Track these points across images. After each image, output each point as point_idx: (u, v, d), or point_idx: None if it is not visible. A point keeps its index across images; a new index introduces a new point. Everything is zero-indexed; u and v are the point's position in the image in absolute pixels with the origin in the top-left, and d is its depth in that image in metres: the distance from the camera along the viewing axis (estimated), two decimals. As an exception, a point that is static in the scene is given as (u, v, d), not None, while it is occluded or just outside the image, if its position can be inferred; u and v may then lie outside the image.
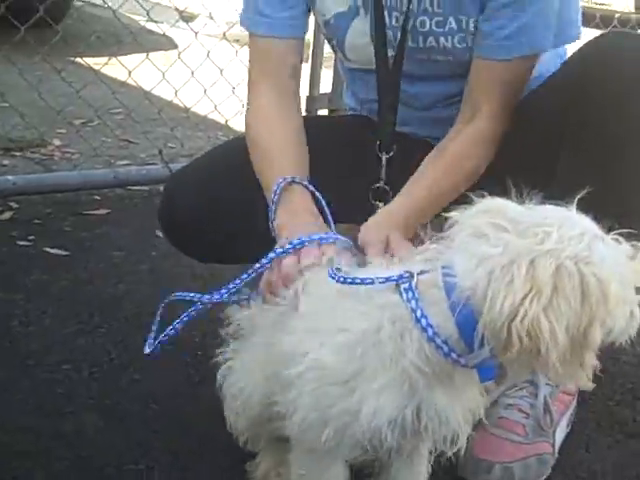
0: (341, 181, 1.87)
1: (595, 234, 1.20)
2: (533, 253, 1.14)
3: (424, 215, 1.67)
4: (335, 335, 1.30)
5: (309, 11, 1.92)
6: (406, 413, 1.27)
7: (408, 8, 1.77)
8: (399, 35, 1.81)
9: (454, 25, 1.79)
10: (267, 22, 1.86)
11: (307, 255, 1.50)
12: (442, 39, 1.82)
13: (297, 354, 1.34)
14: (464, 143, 1.77)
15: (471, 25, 1.79)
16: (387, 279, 1.28)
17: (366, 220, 1.66)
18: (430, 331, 1.23)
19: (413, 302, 1.24)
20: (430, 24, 1.80)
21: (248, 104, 1.91)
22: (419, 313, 1.23)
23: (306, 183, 1.70)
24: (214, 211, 1.91)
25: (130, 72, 3.60)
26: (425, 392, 1.27)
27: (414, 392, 1.27)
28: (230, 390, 1.58)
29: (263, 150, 1.80)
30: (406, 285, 1.25)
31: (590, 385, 1.24)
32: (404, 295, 1.25)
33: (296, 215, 1.65)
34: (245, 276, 1.56)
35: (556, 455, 1.84)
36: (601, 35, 1.70)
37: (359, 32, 1.89)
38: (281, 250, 1.52)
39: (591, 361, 1.20)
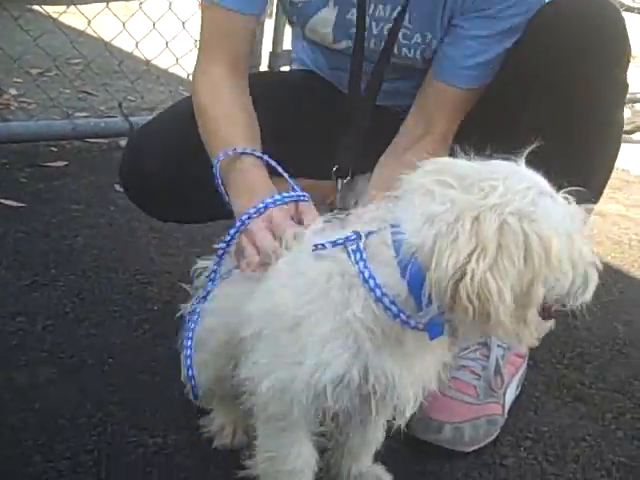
0: (304, 136, 1.89)
1: (542, 190, 1.20)
2: (478, 209, 1.14)
3: None
4: (294, 278, 1.31)
5: None
6: (353, 374, 1.26)
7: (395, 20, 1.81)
8: (379, 44, 1.84)
9: (419, 40, 1.84)
10: None
11: (277, 214, 1.50)
12: (404, 49, 1.86)
13: (262, 293, 1.36)
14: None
15: (434, 43, 1.83)
16: (334, 242, 1.27)
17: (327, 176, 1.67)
18: (378, 292, 1.22)
19: (361, 263, 1.23)
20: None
21: (197, 70, 1.85)
22: (367, 274, 1.22)
23: (258, 153, 1.65)
24: (177, 171, 1.89)
25: (89, 21, 3.52)
26: (373, 354, 1.26)
27: (360, 350, 1.25)
28: (201, 335, 1.55)
29: (211, 118, 1.75)
30: (354, 246, 1.25)
31: (535, 342, 1.26)
32: (352, 256, 1.24)
33: (254, 193, 1.58)
34: (224, 244, 1.54)
35: (505, 416, 1.88)
36: None
37: (323, 20, 1.89)
38: (247, 216, 1.50)
39: (534, 319, 1.20)
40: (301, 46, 2.19)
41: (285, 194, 1.54)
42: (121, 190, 2.88)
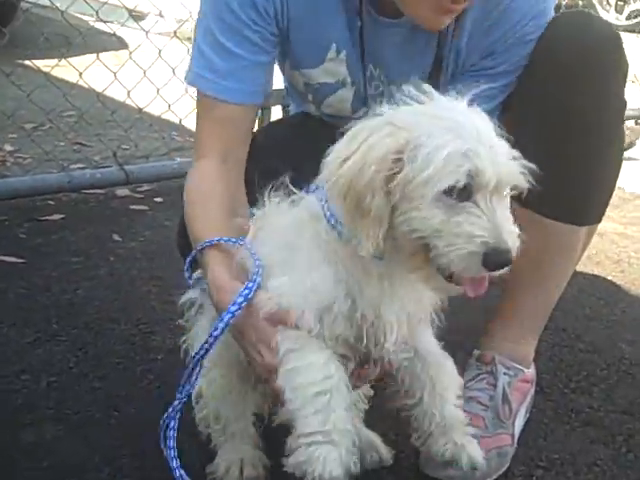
0: None
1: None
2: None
3: None
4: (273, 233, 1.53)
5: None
6: (340, 301, 1.41)
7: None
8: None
9: None
10: (225, 86, 1.77)
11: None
12: None
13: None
14: None
15: None
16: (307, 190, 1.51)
17: None
18: (332, 219, 1.41)
19: (323, 202, 1.43)
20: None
21: (192, 167, 1.84)
22: (325, 208, 1.42)
23: (215, 240, 1.60)
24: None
25: (81, 74, 3.56)
26: (356, 284, 1.41)
27: (342, 279, 1.41)
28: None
29: (188, 216, 1.74)
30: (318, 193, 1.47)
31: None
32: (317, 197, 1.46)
33: (220, 291, 1.55)
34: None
35: (515, 445, 1.87)
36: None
37: (341, 98, 1.92)
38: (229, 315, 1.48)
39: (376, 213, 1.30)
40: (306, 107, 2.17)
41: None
42: (119, 239, 2.94)
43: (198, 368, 1.54)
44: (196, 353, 1.52)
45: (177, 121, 3.84)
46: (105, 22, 5.06)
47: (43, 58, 4.44)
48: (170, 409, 1.55)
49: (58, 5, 3.95)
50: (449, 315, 2.34)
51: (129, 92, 3.65)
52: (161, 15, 5.92)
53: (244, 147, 1.84)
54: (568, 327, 2.54)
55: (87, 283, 2.57)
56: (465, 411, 1.80)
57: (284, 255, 1.47)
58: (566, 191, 1.82)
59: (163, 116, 3.99)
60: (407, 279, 1.41)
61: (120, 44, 5.55)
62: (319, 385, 1.37)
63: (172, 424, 1.53)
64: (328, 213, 1.41)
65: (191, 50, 1.83)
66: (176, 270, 2.37)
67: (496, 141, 1.29)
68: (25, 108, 3.78)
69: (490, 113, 1.76)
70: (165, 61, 3.84)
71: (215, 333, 1.47)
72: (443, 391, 1.55)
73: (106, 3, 4.43)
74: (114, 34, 5.13)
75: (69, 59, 3.76)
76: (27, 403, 1.93)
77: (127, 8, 4.27)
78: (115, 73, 3.66)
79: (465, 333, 2.14)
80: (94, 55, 3.92)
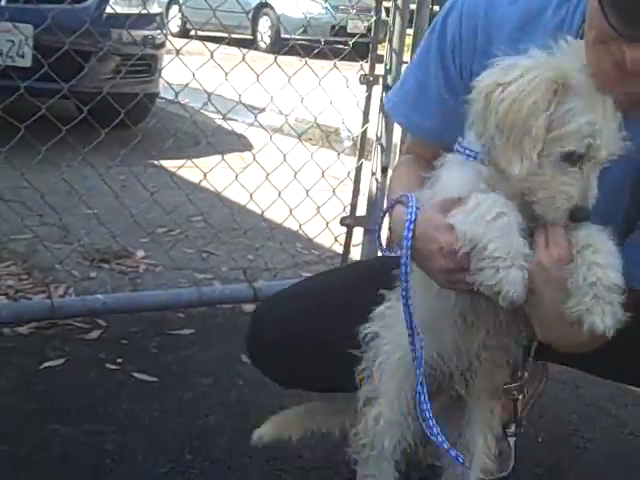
0: None
1: None
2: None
3: None
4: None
5: None
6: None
7: None
8: None
9: None
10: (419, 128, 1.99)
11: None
12: None
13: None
14: None
15: None
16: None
17: None
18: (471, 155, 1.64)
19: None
20: None
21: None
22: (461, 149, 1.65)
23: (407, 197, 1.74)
24: (298, 345, 2.00)
25: (219, 192, 3.64)
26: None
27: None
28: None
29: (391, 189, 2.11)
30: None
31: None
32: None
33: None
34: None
35: None
36: None
37: None
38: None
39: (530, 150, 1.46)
40: None
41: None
42: (247, 361, 2.95)
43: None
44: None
45: (306, 237, 3.88)
46: (231, 120, 5.22)
47: (171, 158, 4.62)
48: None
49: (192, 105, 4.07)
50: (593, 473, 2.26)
51: (263, 212, 3.72)
52: (280, 112, 6.06)
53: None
54: None
55: (217, 409, 2.59)
56: None
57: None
58: None
59: (295, 232, 4.02)
60: None
61: (246, 145, 5.72)
62: (494, 210, 1.50)
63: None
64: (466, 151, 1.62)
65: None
66: (301, 396, 2.37)
67: (616, 121, 1.47)
68: (155, 211, 3.93)
69: None
70: (289, 164, 3.85)
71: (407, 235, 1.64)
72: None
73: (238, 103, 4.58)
74: (239, 134, 5.29)
75: (194, 160, 3.87)
76: None
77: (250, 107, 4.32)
78: (237, 175, 3.71)
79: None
80: (219, 156, 4.02)
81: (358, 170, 3.68)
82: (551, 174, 1.48)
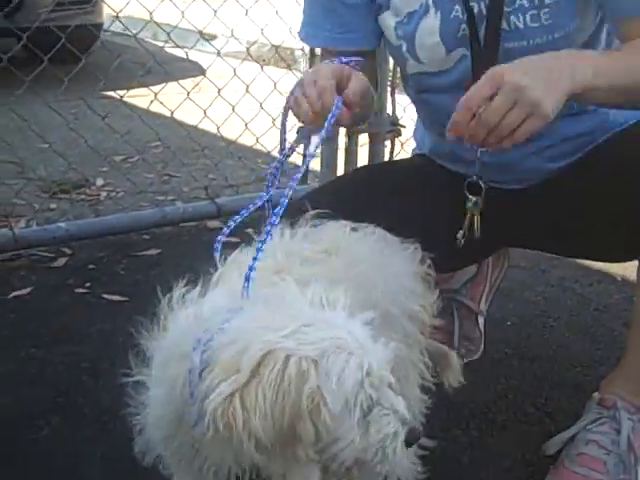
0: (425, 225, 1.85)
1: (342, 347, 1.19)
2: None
3: (614, 71, 1.56)
4: None
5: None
6: None
7: None
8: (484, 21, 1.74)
9: (525, 2, 1.71)
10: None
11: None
12: (512, 18, 1.72)
13: None
14: None
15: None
16: None
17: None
18: None
19: None
20: None
21: None
22: None
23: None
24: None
25: (172, 112, 3.61)
26: None
27: None
28: None
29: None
30: None
31: None
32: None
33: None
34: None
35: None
36: None
37: (428, 30, 1.82)
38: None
39: (308, 455, 1.19)
40: (421, 130, 2.20)
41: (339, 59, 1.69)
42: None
43: None
44: None
45: (266, 151, 3.87)
46: (180, 47, 5.17)
47: (122, 88, 4.55)
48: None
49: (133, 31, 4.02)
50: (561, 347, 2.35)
51: (219, 128, 3.70)
52: (233, 36, 5.96)
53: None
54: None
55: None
56: (584, 454, 1.80)
57: None
58: None
59: (252, 146, 4.02)
60: None
61: (197, 70, 5.63)
62: None
63: None
64: None
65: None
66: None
67: (371, 341, 1.23)
68: (112, 140, 3.89)
69: None
70: (252, 95, 3.83)
71: None
72: None
73: (176, 27, 4.50)
74: (189, 59, 5.23)
75: (159, 96, 3.79)
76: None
77: (199, 30, 4.29)
78: (205, 110, 3.70)
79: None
80: (173, 83, 3.97)
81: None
82: (358, 436, 1.21)
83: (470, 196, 1.78)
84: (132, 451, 1.90)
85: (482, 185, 1.77)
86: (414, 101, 2.08)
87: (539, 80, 1.44)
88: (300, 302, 1.26)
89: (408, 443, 1.25)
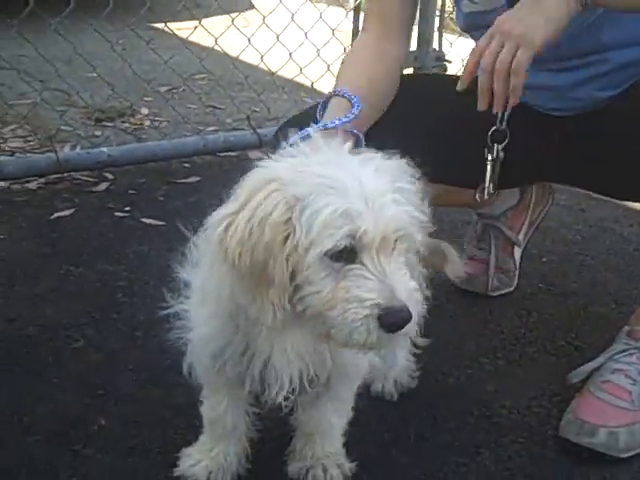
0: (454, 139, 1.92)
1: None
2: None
3: None
4: None
5: None
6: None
7: None
8: None
9: None
10: None
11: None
12: None
13: None
14: None
15: None
16: None
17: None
18: None
19: None
20: None
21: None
22: None
23: (344, 92, 1.71)
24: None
25: (216, 39, 3.60)
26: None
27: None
28: None
29: (342, 64, 1.94)
30: None
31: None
32: None
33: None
34: None
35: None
36: None
37: None
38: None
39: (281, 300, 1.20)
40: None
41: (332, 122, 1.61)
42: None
43: None
44: None
45: (308, 84, 3.86)
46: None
47: (169, 20, 4.54)
48: None
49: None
50: (597, 284, 2.34)
51: (262, 57, 3.68)
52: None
53: (407, 21, 1.97)
54: None
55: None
56: (609, 382, 1.80)
57: None
58: None
59: (296, 79, 4.00)
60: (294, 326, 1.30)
61: (248, 4, 5.59)
62: None
63: None
64: None
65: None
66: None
67: (383, 196, 1.19)
68: (158, 71, 3.90)
69: None
70: (298, 25, 3.81)
71: None
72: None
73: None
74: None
75: (204, 24, 3.77)
76: (179, 363, 2.00)
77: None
78: (249, 38, 3.67)
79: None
80: (223, 16, 3.95)
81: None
82: (329, 287, 1.18)
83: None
84: (161, 363, 1.97)
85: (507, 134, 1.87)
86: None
87: (527, 16, 1.57)
88: (334, 153, 1.27)
89: (389, 326, 1.16)
